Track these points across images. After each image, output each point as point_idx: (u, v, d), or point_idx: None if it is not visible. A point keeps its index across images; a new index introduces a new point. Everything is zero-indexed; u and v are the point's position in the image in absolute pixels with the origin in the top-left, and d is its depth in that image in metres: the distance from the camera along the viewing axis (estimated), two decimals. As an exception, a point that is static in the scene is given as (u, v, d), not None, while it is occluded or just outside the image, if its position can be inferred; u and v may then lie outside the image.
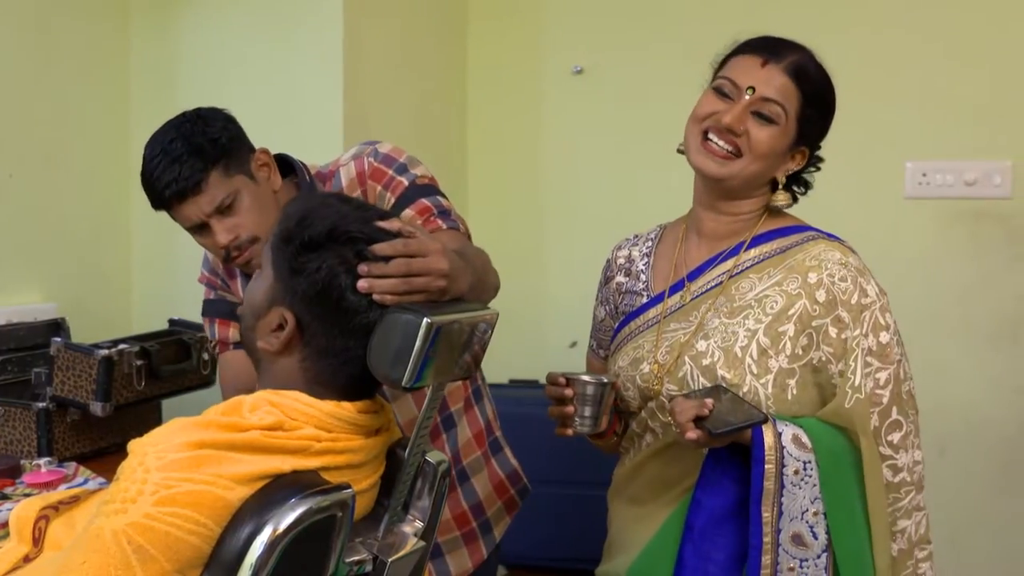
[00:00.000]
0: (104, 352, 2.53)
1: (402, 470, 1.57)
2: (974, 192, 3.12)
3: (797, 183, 1.97)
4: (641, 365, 1.95)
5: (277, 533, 1.30)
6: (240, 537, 1.30)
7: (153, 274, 3.21)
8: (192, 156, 1.95)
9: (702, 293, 1.94)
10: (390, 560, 1.52)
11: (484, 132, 3.66)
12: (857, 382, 1.81)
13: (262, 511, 1.31)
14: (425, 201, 2.06)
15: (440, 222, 2.03)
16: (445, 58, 3.58)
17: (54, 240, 2.98)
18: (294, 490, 1.34)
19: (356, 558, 1.49)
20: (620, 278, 2.10)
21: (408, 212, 2.01)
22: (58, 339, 2.61)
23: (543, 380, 3.34)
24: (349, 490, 1.40)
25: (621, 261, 2.12)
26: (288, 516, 1.31)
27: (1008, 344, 3.11)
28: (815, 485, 1.79)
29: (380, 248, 1.49)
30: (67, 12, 3.00)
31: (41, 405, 2.51)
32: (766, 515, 1.79)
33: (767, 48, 1.90)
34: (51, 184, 2.97)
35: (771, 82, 1.86)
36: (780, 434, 1.79)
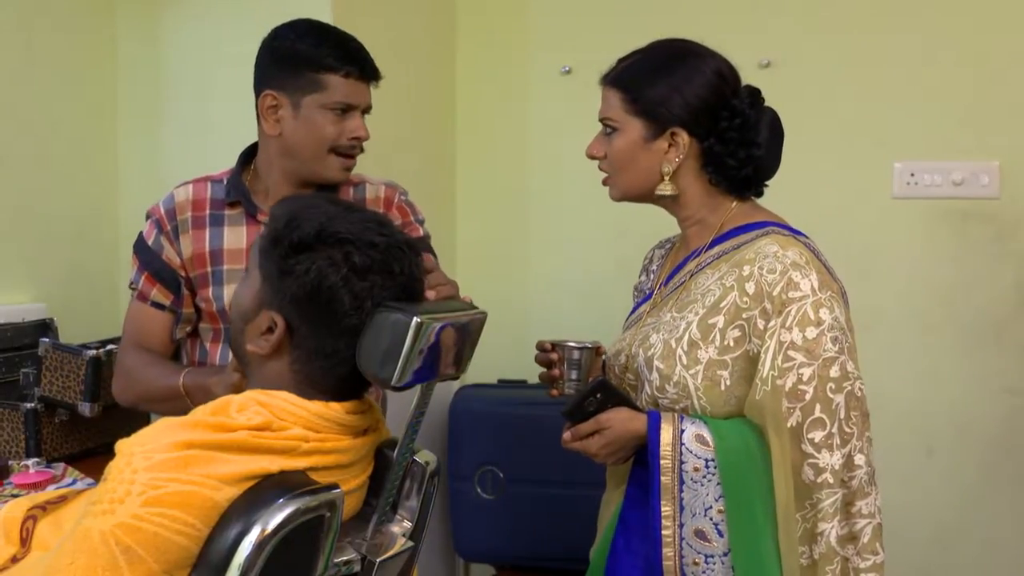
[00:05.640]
0: (92, 352, 2.53)
1: (391, 470, 1.57)
2: (962, 192, 3.12)
3: (716, 167, 1.95)
4: (620, 356, 2.03)
5: (265, 533, 1.30)
6: (228, 537, 1.31)
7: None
8: None
9: (671, 291, 2.00)
10: (378, 560, 1.52)
11: (472, 132, 3.66)
12: (766, 374, 1.79)
13: (250, 511, 1.32)
14: (430, 256, 2.23)
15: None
16: (434, 58, 3.58)
17: (42, 240, 2.97)
18: (282, 490, 1.34)
19: (344, 558, 1.49)
20: (641, 276, 2.21)
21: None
22: (46, 339, 2.60)
23: (532, 380, 3.37)
24: (337, 490, 1.40)
25: (646, 261, 2.22)
26: (276, 516, 1.31)
27: (994, 344, 3.12)
28: (719, 484, 1.81)
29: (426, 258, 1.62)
30: (53, 11, 2.99)
31: (29, 406, 2.51)
32: (666, 509, 1.83)
33: (606, 71, 2.02)
34: (39, 184, 2.96)
35: (603, 103, 2.00)
36: (683, 431, 1.83)
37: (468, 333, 1.57)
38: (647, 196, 1.99)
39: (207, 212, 2.22)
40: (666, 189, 1.94)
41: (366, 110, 2.20)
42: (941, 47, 3.12)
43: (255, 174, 2.25)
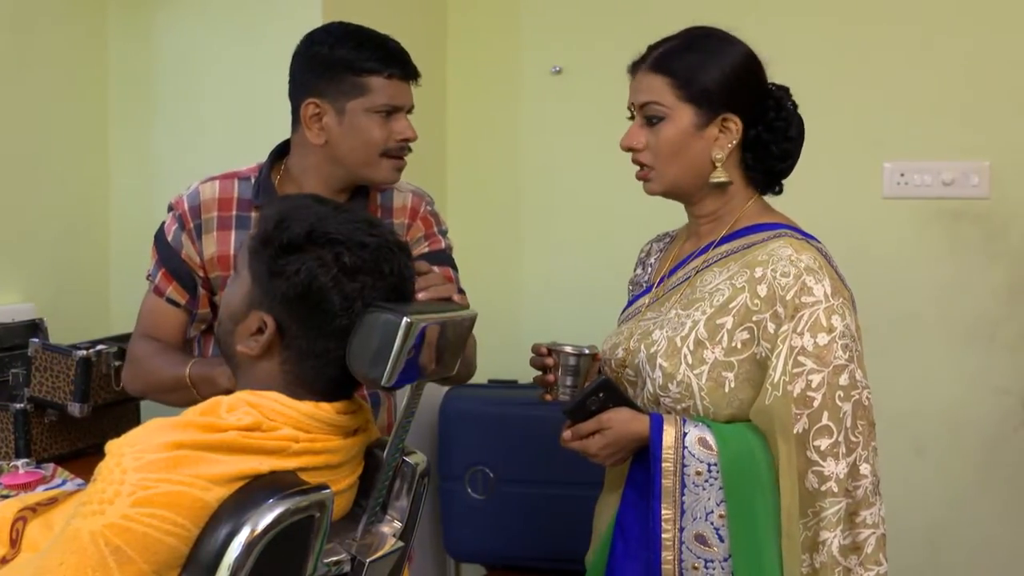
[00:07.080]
0: (82, 353, 2.52)
1: (381, 471, 1.57)
2: (952, 192, 3.13)
3: (757, 156, 1.93)
4: (617, 350, 1.99)
5: (255, 534, 1.30)
6: (218, 538, 1.31)
7: (131, 275, 3.18)
8: None
9: (675, 286, 1.98)
10: (368, 560, 1.52)
11: (463, 131, 3.66)
12: (776, 379, 1.77)
13: (240, 512, 1.31)
14: (451, 271, 2.23)
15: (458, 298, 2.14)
16: (424, 58, 3.55)
17: (32, 241, 2.97)
18: (272, 491, 1.34)
19: (334, 559, 1.49)
20: (637, 270, 2.18)
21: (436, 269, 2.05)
22: (36, 340, 2.60)
23: (522, 380, 3.37)
24: (327, 491, 1.40)
25: (642, 255, 2.19)
26: (266, 517, 1.31)
27: (985, 344, 3.13)
28: (721, 488, 1.80)
29: (419, 264, 1.66)
30: (45, 13, 2.98)
31: (19, 406, 2.50)
32: (667, 512, 1.82)
33: (639, 59, 1.96)
34: (30, 185, 2.96)
35: (641, 86, 1.93)
36: (685, 434, 1.81)
37: (458, 333, 1.57)
38: (694, 188, 1.93)
39: (234, 213, 2.17)
40: (720, 176, 1.90)
41: (410, 110, 2.17)
42: (932, 47, 3.12)
43: (286, 175, 2.19)
